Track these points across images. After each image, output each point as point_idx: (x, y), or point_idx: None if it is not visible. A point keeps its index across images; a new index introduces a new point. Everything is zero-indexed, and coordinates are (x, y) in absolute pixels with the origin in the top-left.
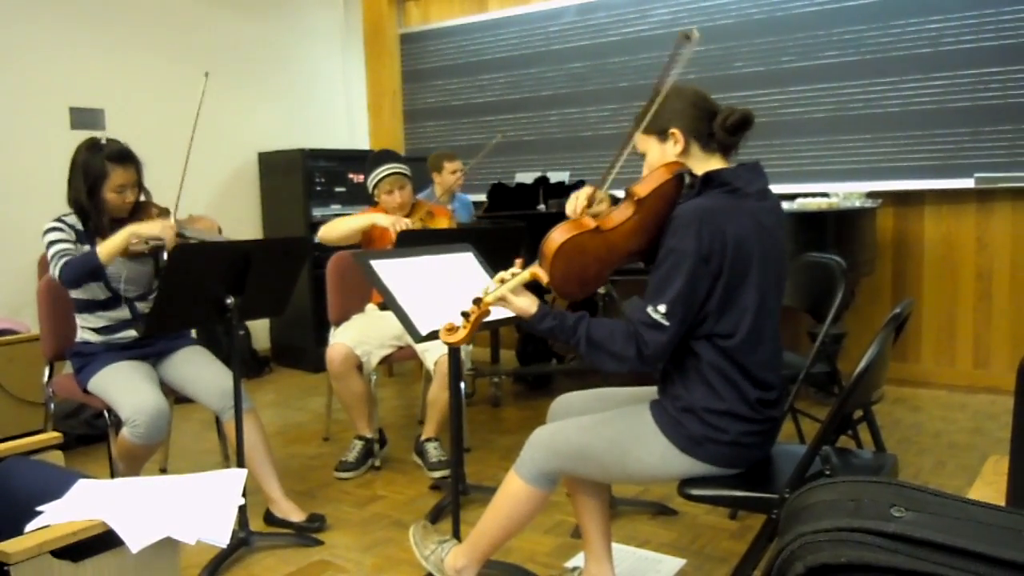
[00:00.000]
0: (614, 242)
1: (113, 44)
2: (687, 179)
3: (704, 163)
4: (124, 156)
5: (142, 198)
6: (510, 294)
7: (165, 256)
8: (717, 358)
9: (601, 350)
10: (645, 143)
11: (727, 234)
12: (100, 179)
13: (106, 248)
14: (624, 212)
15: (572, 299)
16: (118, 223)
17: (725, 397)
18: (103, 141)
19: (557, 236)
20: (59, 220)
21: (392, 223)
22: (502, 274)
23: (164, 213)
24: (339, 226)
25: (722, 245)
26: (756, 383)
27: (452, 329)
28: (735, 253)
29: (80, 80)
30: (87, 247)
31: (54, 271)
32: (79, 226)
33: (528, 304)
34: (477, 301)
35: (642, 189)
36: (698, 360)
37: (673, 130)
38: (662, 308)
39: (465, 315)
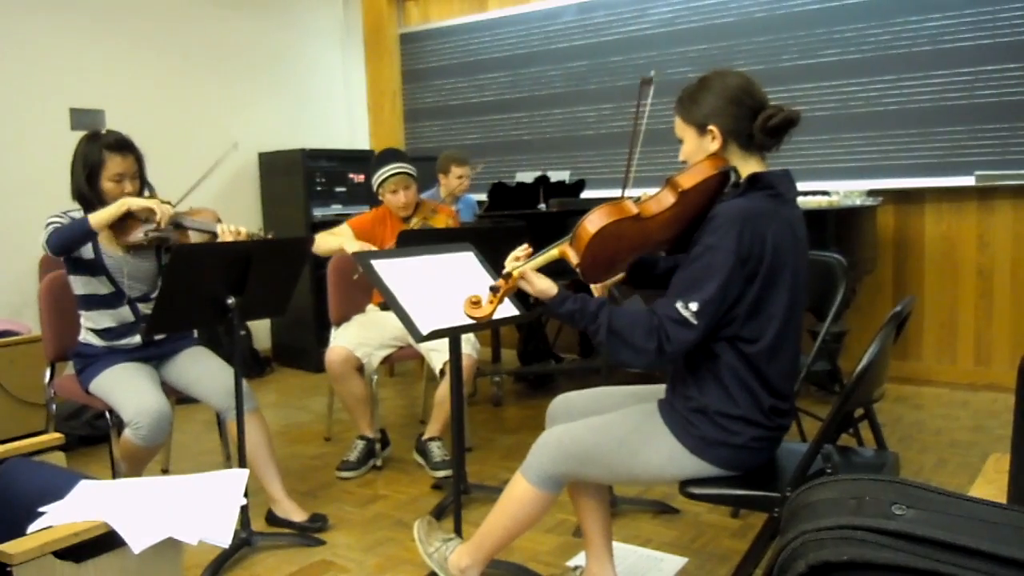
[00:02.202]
0: (650, 230)
1: (113, 44)
2: (732, 177)
3: (743, 163)
4: (121, 145)
5: (146, 193)
6: (531, 274)
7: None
8: (736, 362)
9: (621, 340)
10: (683, 131)
11: (767, 239)
12: (97, 167)
13: (98, 215)
14: (665, 201)
15: (594, 283)
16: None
17: (740, 403)
18: (103, 131)
19: (597, 220)
20: (63, 213)
21: (359, 249)
22: (517, 252)
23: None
24: (325, 243)
25: (761, 249)
26: (772, 391)
27: (476, 303)
28: (772, 259)
29: (80, 81)
30: (88, 244)
31: (43, 238)
32: None
33: (548, 286)
34: (506, 276)
35: (686, 180)
36: (716, 362)
37: (711, 127)
38: (694, 306)
39: (494, 289)
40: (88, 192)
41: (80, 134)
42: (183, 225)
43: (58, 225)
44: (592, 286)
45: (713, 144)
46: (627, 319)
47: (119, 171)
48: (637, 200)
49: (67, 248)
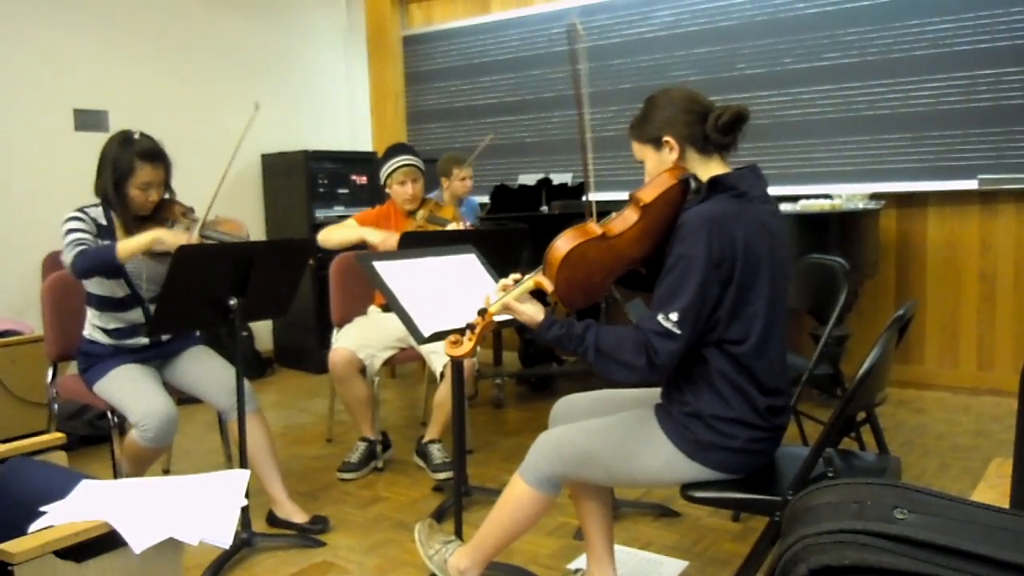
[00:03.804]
0: (619, 249)
1: (116, 45)
2: (692, 184)
3: (704, 166)
4: (154, 154)
5: (166, 196)
6: (515, 303)
7: None
8: (726, 365)
9: (610, 359)
10: (642, 152)
11: (736, 239)
12: (127, 174)
13: (127, 246)
14: (629, 218)
15: (576, 308)
16: (141, 221)
17: (734, 405)
18: (136, 136)
19: (562, 244)
20: (81, 211)
21: (381, 241)
22: (504, 281)
23: (188, 212)
24: (335, 234)
25: (732, 251)
26: (765, 390)
27: (456, 342)
28: (745, 258)
29: (84, 81)
30: (107, 242)
31: (67, 257)
32: (101, 220)
33: (535, 312)
34: (482, 312)
35: (647, 195)
36: (706, 366)
37: (667, 138)
38: (674, 316)
39: (471, 327)
40: (112, 195)
41: (83, 135)
42: (210, 237)
43: (84, 248)
44: None
45: (672, 155)
46: (614, 338)
47: (148, 180)
48: (601, 218)
49: (94, 273)
